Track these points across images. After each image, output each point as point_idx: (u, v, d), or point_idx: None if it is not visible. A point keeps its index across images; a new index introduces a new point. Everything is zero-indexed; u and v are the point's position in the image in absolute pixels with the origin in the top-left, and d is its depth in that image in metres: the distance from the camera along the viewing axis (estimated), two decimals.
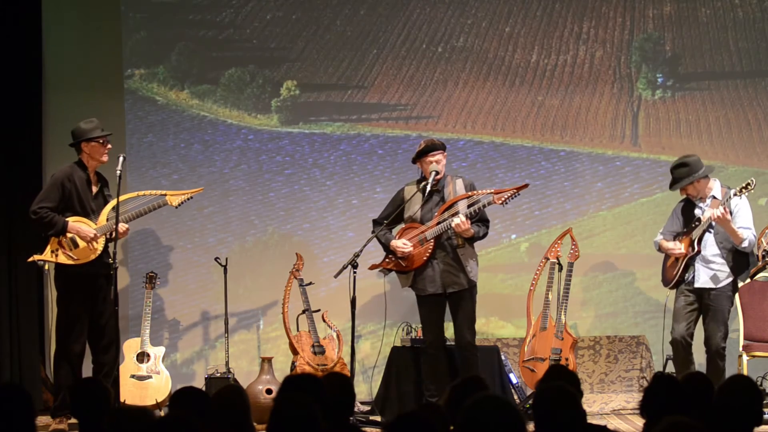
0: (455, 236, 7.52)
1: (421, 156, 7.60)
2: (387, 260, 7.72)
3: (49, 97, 8.82)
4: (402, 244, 7.59)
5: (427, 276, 7.58)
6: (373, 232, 7.74)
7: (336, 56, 8.98)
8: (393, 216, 7.71)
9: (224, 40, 9.00)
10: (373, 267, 7.83)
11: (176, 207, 7.79)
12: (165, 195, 7.72)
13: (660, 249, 7.77)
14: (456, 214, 7.46)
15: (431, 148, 7.57)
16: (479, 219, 7.58)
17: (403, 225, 7.72)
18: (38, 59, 8.75)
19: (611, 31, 8.95)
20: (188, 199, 7.79)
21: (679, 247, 7.54)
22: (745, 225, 7.45)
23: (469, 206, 7.50)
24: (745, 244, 7.43)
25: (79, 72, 8.83)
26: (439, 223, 7.51)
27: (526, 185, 7.66)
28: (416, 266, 7.59)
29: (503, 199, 7.49)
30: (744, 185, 7.33)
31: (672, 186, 7.60)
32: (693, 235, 7.51)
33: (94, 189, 7.57)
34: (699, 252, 7.48)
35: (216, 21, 8.98)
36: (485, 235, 7.67)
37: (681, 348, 7.51)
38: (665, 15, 8.96)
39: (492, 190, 7.60)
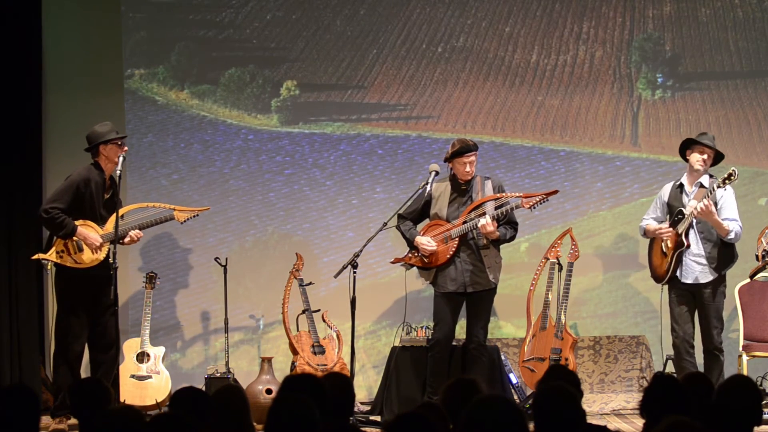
0: (481, 236, 7.53)
1: (455, 156, 7.57)
2: (410, 255, 7.73)
3: (49, 97, 8.82)
4: (426, 242, 7.60)
5: (449, 274, 7.59)
6: (397, 226, 7.74)
7: (336, 56, 8.98)
8: (419, 212, 7.72)
9: (224, 40, 9.00)
10: (395, 261, 7.84)
11: (182, 223, 7.83)
12: (173, 210, 7.74)
13: (646, 234, 7.74)
14: (483, 214, 7.48)
15: (466, 149, 7.55)
16: (507, 221, 7.60)
17: (428, 221, 7.73)
18: (38, 59, 8.75)
19: (611, 31, 8.95)
20: (195, 216, 7.82)
21: (668, 229, 7.51)
22: (731, 216, 7.42)
23: (496, 208, 7.51)
24: (732, 235, 7.39)
25: (79, 72, 8.84)
26: (464, 223, 7.53)
27: (555, 191, 7.67)
28: (439, 264, 7.61)
29: (531, 203, 7.50)
30: (726, 176, 7.27)
31: (698, 136, 7.56)
32: (679, 229, 7.47)
33: (107, 195, 7.56)
34: (689, 246, 7.45)
35: (216, 21, 8.98)
36: (512, 237, 7.69)
37: (684, 351, 7.51)
38: (665, 15, 8.96)
39: (521, 194, 7.60)
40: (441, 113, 8.96)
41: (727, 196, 7.45)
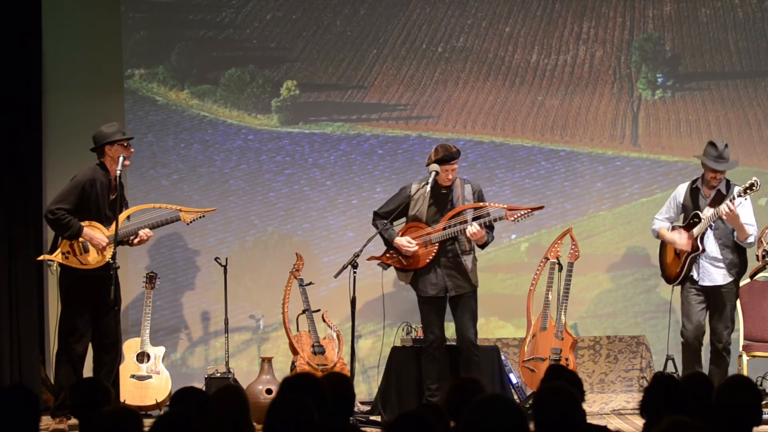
0: (465, 242, 7.53)
1: (440, 163, 7.55)
2: (387, 255, 7.72)
3: (49, 97, 8.82)
4: (406, 243, 7.59)
5: (429, 279, 7.59)
6: (374, 224, 7.73)
7: (336, 56, 8.98)
8: (396, 212, 7.71)
9: (224, 40, 9.00)
10: (371, 258, 7.82)
11: (188, 224, 7.81)
12: (180, 210, 7.74)
13: (659, 236, 7.78)
14: (464, 222, 7.47)
15: (449, 158, 7.53)
16: (487, 224, 7.61)
17: (405, 222, 7.71)
18: (38, 59, 8.75)
19: (611, 31, 8.95)
20: (200, 217, 7.81)
21: (685, 242, 7.55)
22: (748, 221, 7.47)
23: (475, 218, 7.49)
24: (751, 239, 7.47)
25: (79, 72, 8.84)
26: (445, 229, 7.52)
27: (541, 207, 7.67)
28: (419, 267, 7.60)
29: (515, 217, 7.50)
30: (748, 185, 7.32)
31: (717, 160, 7.49)
32: (694, 233, 7.51)
33: (112, 196, 7.55)
34: (704, 251, 7.49)
35: (216, 21, 8.98)
36: (491, 240, 7.70)
37: (693, 349, 7.55)
38: (665, 15, 8.96)
39: (505, 206, 7.59)
40: (441, 113, 8.96)
41: (744, 201, 7.47)
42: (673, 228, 7.73)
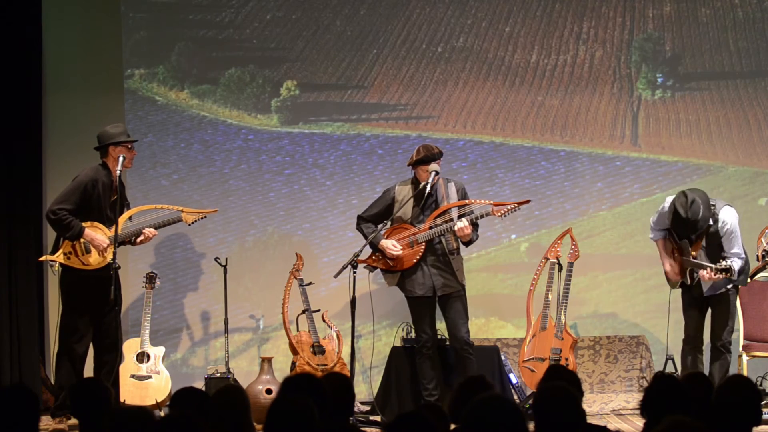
0: (453, 240, 7.53)
1: (420, 164, 7.57)
2: (374, 258, 7.73)
3: (49, 97, 8.82)
4: (392, 245, 7.60)
5: (417, 278, 7.60)
6: (358, 227, 7.75)
7: (336, 56, 8.98)
8: (381, 215, 7.72)
9: (224, 40, 9.00)
10: (358, 261, 7.81)
11: (189, 225, 7.81)
12: (182, 211, 7.74)
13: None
14: (450, 220, 7.48)
15: (431, 158, 7.55)
16: (471, 223, 7.61)
17: (390, 223, 7.68)
18: (38, 59, 8.75)
19: (611, 31, 8.95)
20: (202, 218, 7.81)
21: (674, 275, 7.58)
22: (735, 250, 7.41)
23: (461, 215, 7.49)
24: (734, 276, 7.40)
25: (79, 72, 8.84)
26: (431, 228, 7.52)
27: (527, 201, 7.67)
28: (405, 268, 7.61)
29: (502, 212, 7.51)
30: (722, 269, 7.25)
31: (686, 227, 7.35)
32: (685, 265, 7.50)
33: (114, 196, 7.55)
34: (692, 284, 7.51)
35: (216, 21, 8.99)
36: (477, 238, 7.70)
37: (693, 347, 7.55)
38: (665, 15, 8.96)
39: (491, 202, 7.60)
40: (441, 113, 8.96)
41: (732, 227, 7.39)
42: (667, 236, 7.72)
